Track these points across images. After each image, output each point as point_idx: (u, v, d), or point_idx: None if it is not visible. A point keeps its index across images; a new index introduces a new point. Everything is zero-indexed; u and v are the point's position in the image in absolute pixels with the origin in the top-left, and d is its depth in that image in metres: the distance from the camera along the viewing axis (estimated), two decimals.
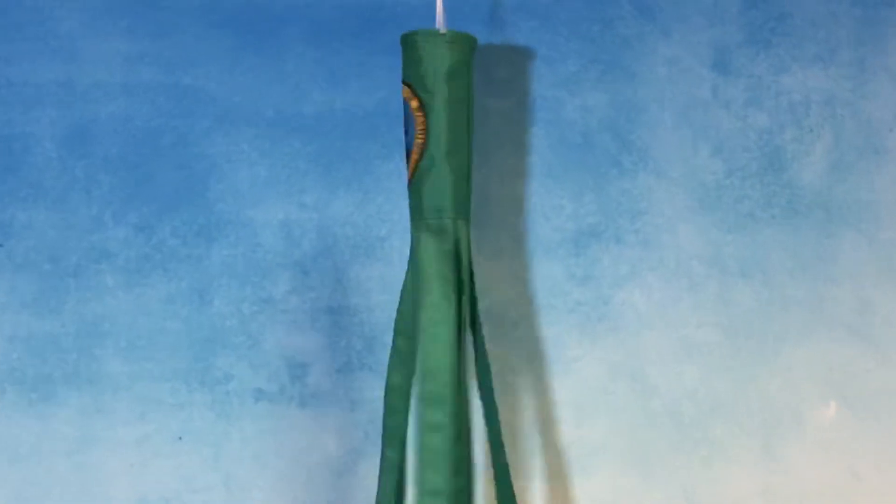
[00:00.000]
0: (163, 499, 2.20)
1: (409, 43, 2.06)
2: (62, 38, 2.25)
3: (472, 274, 2.07)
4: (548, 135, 2.27)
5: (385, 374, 2.09)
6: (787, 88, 2.29)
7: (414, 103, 2.04)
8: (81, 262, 2.23)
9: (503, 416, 2.15)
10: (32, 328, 2.20)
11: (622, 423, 2.24)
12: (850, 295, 2.25)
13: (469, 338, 2.07)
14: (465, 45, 2.06)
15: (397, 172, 2.24)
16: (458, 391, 1.99)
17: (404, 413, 2.02)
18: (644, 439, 2.23)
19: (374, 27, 2.27)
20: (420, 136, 2.03)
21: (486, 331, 2.14)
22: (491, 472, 2.09)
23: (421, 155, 2.03)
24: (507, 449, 2.13)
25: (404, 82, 2.06)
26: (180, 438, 2.21)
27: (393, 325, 2.11)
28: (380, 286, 2.22)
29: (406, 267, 2.10)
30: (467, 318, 2.05)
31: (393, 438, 2.04)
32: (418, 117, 2.03)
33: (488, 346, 2.13)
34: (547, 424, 2.22)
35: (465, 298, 2.04)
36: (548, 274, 2.24)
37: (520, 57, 2.26)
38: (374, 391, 2.20)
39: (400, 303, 2.09)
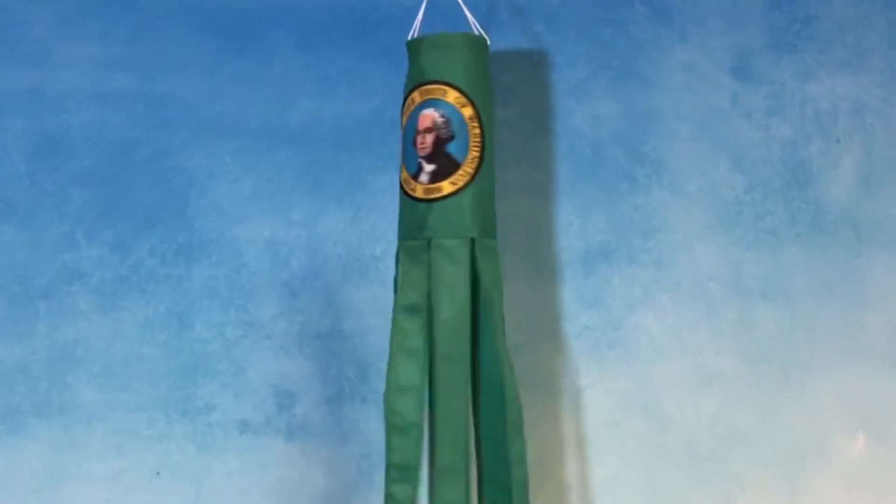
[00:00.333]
0: None
1: (457, 45, 2.02)
2: (31, 42, 2.24)
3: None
4: (554, 146, 2.24)
5: (380, 404, 2.04)
6: (813, 96, 2.26)
7: (468, 111, 2.00)
8: (52, 283, 2.20)
9: None
10: None
11: (634, 458, 2.20)
12: (881, 320, 2.22)
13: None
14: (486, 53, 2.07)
15: (392, 187, 2.19)
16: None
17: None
18: (658, 475, 2.20)
19: (368, 30, 2.24)
20: (476, 149, 2.00)
21: None
22: None
23: (477, 170, 1.99)
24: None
25: (450, 84, 2.01)
26: (158, 473, 2.18)
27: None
28: (374, 309, 2.19)
29: None
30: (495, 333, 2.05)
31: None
32: (474, 128, 1.99)
33: None
34: (552, 459, 2.19)
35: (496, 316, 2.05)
36: (553, 296, 2.22)
37: (524, 62, 2.24)
38: (367, 423, 2.17)
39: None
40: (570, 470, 2.19)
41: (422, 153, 2.00)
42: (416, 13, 2.10)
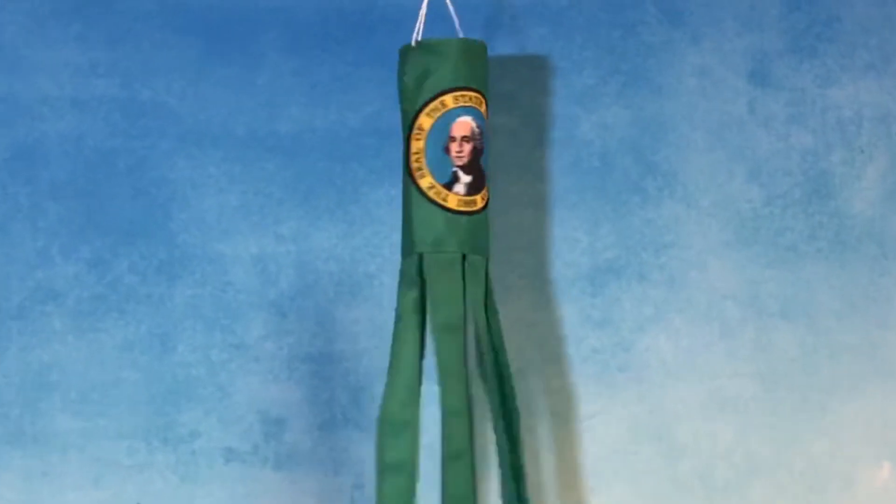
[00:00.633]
0: None
1: (484, 55, 2.06)
2: (3, 46, 2.22)
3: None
4: (560, 157, 2.23)
5: (375, 431, 2.03)
6: (836, 103, 2.26)
7: (487, 125, 2.06)
8: (25, 302, 2.18)
9: None
10: None
11: (646, 489, 2.19)
12: None
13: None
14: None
15: (387, 200, 2.19)
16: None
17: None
18: None
19: (362, 33, 2.23)
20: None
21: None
22: None
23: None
24: None
25: (482, 94, 2.05)
26: None
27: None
28: (368, 330, 2.18)
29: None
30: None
31: None
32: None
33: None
34: (559, 490, 2.18)
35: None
36: (560, 316, 2.21)
37: (528, 68, 2.23)
38: (360, 451, 2.15)
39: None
40: (577, 501, 2.18)
41: (459, 162, 2.02)
42: (413, 15, 2.08)
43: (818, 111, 2.24)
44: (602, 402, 2.19)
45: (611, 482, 2.18)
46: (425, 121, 2.02)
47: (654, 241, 2.21)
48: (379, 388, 2.06)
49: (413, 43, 2.05)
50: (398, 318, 2.02)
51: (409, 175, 2.03)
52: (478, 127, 2.03)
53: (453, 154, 2.02)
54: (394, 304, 2.07)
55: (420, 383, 1.99)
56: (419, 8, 2.08)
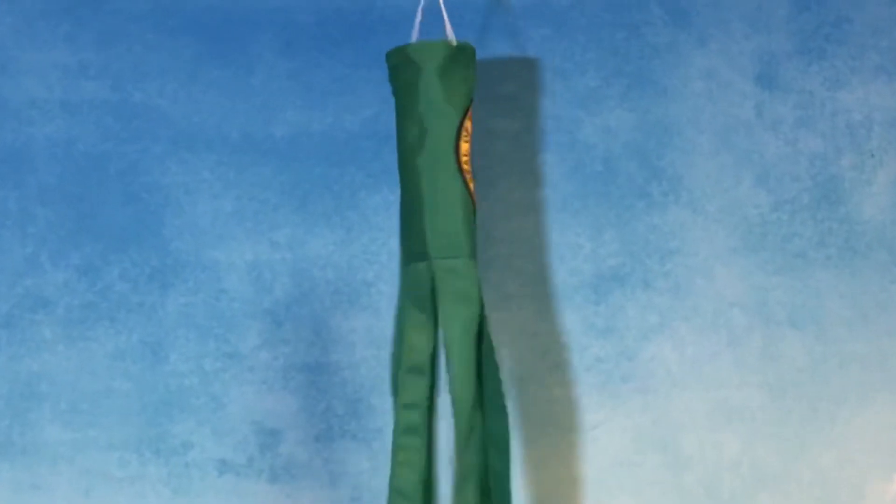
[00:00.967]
0: None
1: (472, 55, 2.05)
2: None
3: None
4: (562, 161, 2.23)
5: (372, 443, 2.10)
6: (845, 106, 2.25)
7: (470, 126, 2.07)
8: (14, 311, 2.18)
9: None
10: None
11: (651, 500, 2.19)
12: None
13: None
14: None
15: (385, 205, 2.20)
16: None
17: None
18: None
19: (359, 35, 2.23)
20: None
21: None
22: None
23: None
24: None
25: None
26: None
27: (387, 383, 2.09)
28: (366, 339, 2.18)
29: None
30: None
31: None
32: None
33: None
34: (562, 502, 2.19)
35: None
36: (562, 325, 2.21)
37: (529, 70, 2.23)
38: (358, 463, 2.16)
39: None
40: None
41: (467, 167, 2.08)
42: (412, 16, 2.08)
43: (827, 114, 2.24)
44: (606, 412, 2.19)
45: (615, 494, 2.19)
46: (468, 123, 2.03)
47: (659, 248, 2.22)
48: (377, 399, 2.07)
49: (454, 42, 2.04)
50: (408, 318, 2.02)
51: (460, 177, 2.02)
52: None
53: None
54: (391, 312, 2.08)
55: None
56: (417, 9, 2.08)
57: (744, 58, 2.24)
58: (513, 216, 2.20)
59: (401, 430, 1.98)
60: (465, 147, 2.01)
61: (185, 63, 2.21)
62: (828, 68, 2.24)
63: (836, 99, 2.24)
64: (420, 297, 1.98)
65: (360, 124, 2.20)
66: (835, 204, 2.23)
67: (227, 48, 2.22)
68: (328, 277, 2.19)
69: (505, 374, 2.14)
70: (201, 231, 2.19)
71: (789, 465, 2.19)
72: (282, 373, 2.17)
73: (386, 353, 2.09)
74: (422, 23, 2.08)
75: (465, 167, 2.01)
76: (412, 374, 1.99)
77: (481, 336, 2.00)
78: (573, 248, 2.21)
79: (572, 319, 2.20)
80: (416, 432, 1.98)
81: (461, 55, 2.00)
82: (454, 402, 1.96)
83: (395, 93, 2.01)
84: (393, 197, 2.14)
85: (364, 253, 2.19)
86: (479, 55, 2.10)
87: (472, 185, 2.02)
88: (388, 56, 2.01)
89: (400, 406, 1.99)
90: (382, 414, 2.14)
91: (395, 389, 2.02)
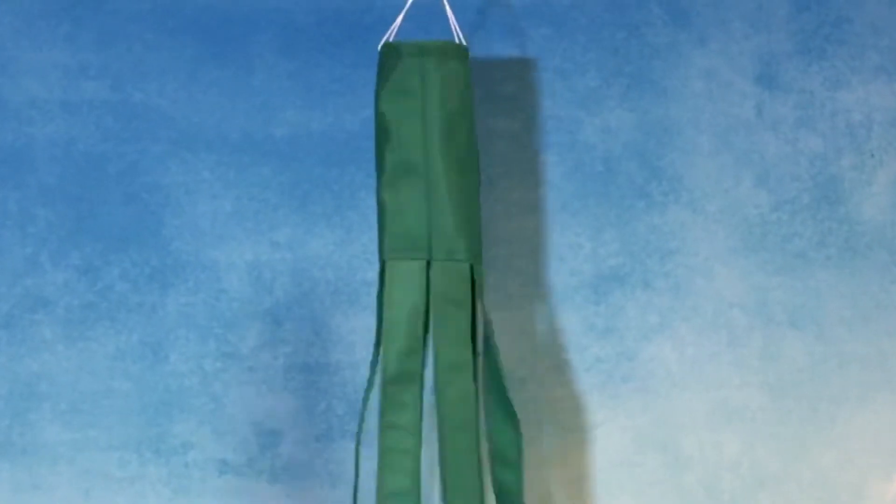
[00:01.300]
0: None
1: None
2: None
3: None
4: (562, 161, 2.22)
5: (372, 443, 2.04)
6: (845, 106, 2.24)
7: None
8: (14, 311, 2.18)
9: None
10: None
11: (651, 500, 2.19)
12: None
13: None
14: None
15: None
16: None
17: None
18: None
19: (358, 35, 2.22)
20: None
21: None
22: None
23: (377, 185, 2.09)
24: None
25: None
26: None
27: None
28: (365, 339, 2.16)
29: None
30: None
31: None
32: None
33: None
34: (563, 502, 2.18)
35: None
36: (562, 325, 2.21)
37: (529, 70, 2.22)
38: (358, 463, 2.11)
39: None
40: None
41: None
42: (412, 16, 2.08)
43: (827, 114, 2.23)
44: (606, 413, 2.18)
45: (615, 494, 2.18)
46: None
47: (659, 248, 2.21)
48: (376, 399, 2.04)
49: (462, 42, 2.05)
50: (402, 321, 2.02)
51: (478, 177, 2.04)
52: None
53: None
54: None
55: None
56: (417, 8, 2.08)
57: (744, 58, 2.23)
58: (513, 216, 2.19)
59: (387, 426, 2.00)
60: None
61: (185, 63, 2.20)
62: (828, 68, 2.23)
63: (836, 99, 2.23)
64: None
65: (359, 124, 2.20)
66: (835, 204, 2.22)
67: (227, 48, 2.21)
68: (328, 277, 2.19)
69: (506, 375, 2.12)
70: (201, 231, 2.19)
71: (789, 465, 2.18)
72: (282, 373, 2.17)
73: None
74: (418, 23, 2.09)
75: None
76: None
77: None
78: (573, 248, 2.20)
79: (572, 319, 2.19)
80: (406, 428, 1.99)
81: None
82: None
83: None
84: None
85: (364, 253, 2.19)
86: (480, 55, 2.10)
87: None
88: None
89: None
90: None
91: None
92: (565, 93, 2.22)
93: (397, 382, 1.98)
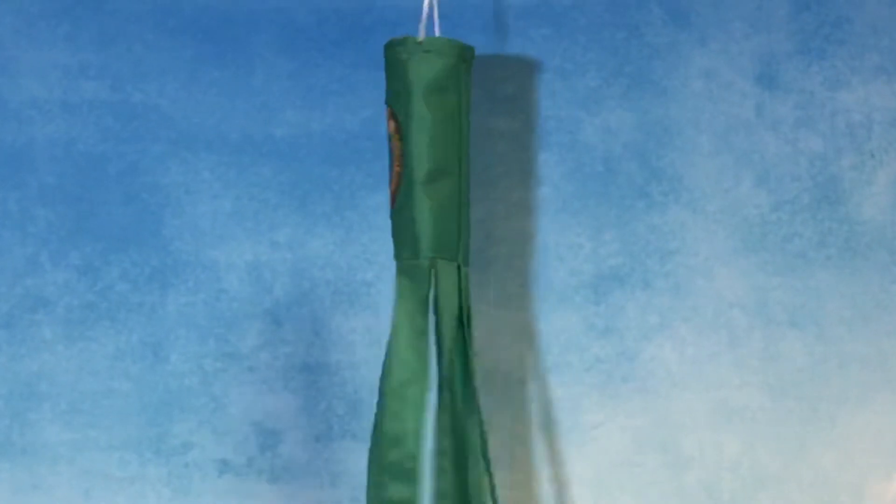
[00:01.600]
0: None
1: (387, 54, 2.06)
2: None
3: (466, 325, 2.06)
4: (562, 161, 2.22)
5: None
6: (845, 106, 2.24)
7: (392, 126, 2.04)
8: (14, 311, 2.18)
9: (508, 493, 2.13)
10: None
11: (651, 501, 2.18)
12: None
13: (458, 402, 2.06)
14: (451, 55, 2.05)
15: (385, 206, 2.16)
16: (423, 462, 2.02)
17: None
18: None
19: (358, 35, 2.22)
20: (397, 165, 2.04)
21: (488, 392, 2.12)
22: None
23: (398, 186, 2.04)
24: None
25: (386, 103, 2.06)
26: None
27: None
28: (365, 339, 2.18)
29: None
30: (452, 376, 2.04)
31: None
32: (395, 143, 2.04)
33: (490, 410, 2.11)
34: (562, 502, 2.18)
35: (448, 354, 2.03)
36: (562, 325, 2.20)
37: (529, 70, 2.22)
38: (358, 463, 2.13)
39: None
40: None
41: None
42: (412, 15, 2.08)
43: (827, 114, 2.22)
44: (606, 413, 2.18)
45: (615, 495, 2.17)
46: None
47: (659, 248, 2.20)
48: (375, 400, 2.04)
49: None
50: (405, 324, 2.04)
51: (469, 178, 2.06)
52: None
53: None
54: (391, 312, 2.06)
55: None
56: (418, 8, 2.08)
57: (744, 58, 2.22)
58: (513, 216, 2.18)
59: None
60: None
61: (185, 63, 2.21)
62: (828, 68, 2.23)
63: (836, 99, 2.22)
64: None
65: (359, 124, 2.20)
66: (835, 204, 2.21)
67: (226, 49, 2.21)
68: (328, 277, 2.19)
69: (505, 375, 2.16)
70: (201, 231, 2.19)
71: (789, 466, 2.17)
72: (282, 373, 2.17)
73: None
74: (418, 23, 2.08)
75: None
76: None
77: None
78: (573, 247, 2.20)
79: (572, 319, 2.19)
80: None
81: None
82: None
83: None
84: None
85: (364, 253, 2.19)
86: (480, 55, 2.10)
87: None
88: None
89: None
90: None
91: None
92: (565, 93, 2.22)
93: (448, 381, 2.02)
